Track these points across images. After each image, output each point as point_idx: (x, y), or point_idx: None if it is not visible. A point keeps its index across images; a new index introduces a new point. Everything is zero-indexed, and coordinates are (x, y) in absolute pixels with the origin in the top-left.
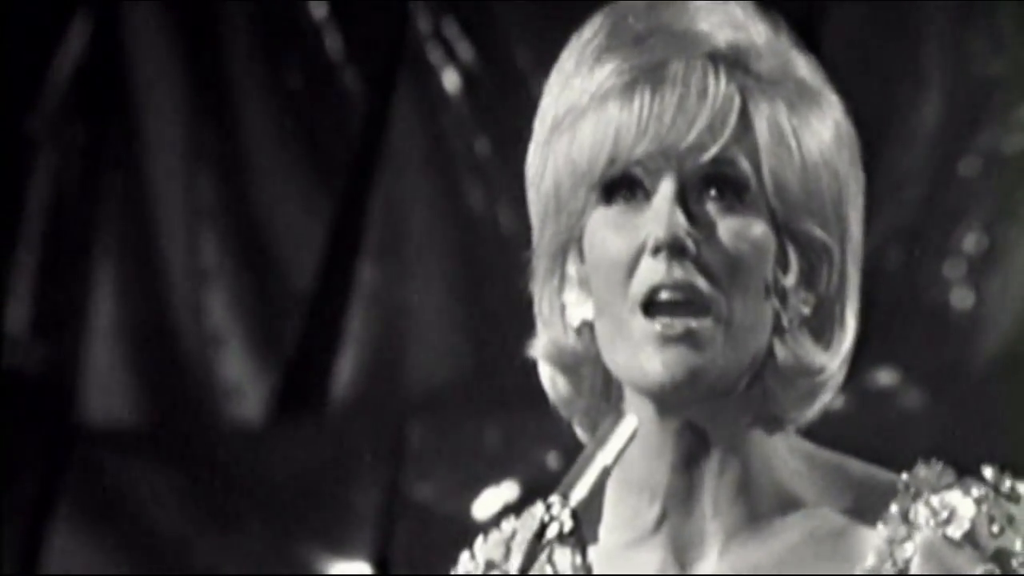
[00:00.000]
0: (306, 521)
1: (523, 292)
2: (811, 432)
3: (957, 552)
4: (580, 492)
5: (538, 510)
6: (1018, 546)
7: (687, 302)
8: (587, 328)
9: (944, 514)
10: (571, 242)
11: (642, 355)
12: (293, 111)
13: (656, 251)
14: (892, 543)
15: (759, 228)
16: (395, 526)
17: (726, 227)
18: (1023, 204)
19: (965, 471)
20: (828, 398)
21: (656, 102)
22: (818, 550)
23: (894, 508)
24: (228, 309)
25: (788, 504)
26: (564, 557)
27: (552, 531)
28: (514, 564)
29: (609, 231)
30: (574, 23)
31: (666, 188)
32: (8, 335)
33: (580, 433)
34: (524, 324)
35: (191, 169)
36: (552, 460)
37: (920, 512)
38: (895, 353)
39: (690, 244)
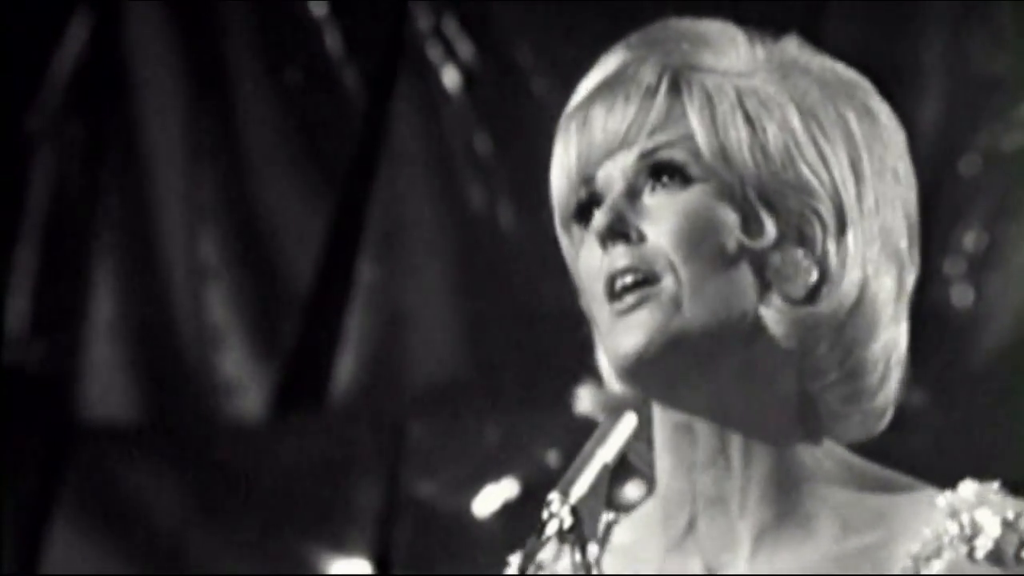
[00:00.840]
0: (306, 519)
1: (522, 291)
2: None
3: (982, 571)
4: (580, 489)
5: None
6: None
7: (641, 281)
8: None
9: (970, 532)
10: None
11: (613, 339)
12: (293, 109)
13: (603, 243)
14: (919, 560)
15: (705, 201)
16: (395, 523)
17: (672, 208)
18: (1023, 202)
19: (1006, 485)
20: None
21: (591, 119)
22: (845, 562)
23: (927, 526)
24: (228, 307)
25: (819, 509)
26: (564, 554)
27: (552, 528)
28: (561, 565)
29: (584, 248)
30: (573, 21)
31: (615, 188)
32: (8, 333)
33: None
34: (524, 322)
35: (191, 167)
36: (552, 458)
37: (950, 530)
38: None
39: (629, 227)
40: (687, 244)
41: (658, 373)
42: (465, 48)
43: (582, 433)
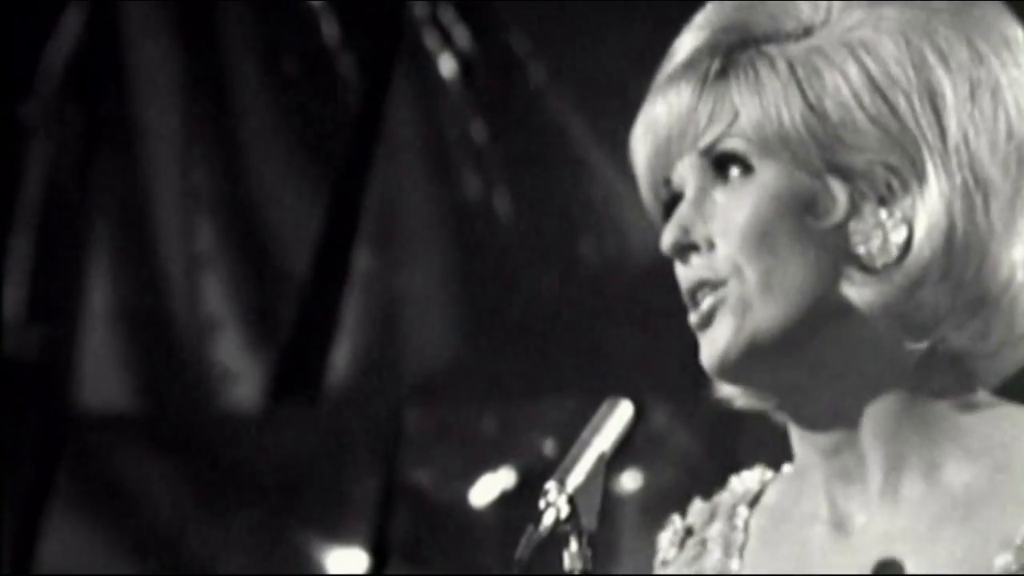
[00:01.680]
0: (302, 507)
1: (519, 279)
2: None
3: None
4: (577, 478)
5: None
6: None
7: (711, 290)
8: None
9: None
10: None
11: (701, 350)
12: (289, 97)
13: (674, 258)
14: None
15: (766, 191)
16: (392, 513)
17: (735, 204)
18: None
19: None
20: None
21: (655, 120)
22: (962, 527)
23: None
24: (224, 295)
25: (950, 452)
26: (717, 519)
27: (549, 518)
28: (713, 529)
29: None
30: (571, 9)
31: (687, 192)
32: (3, 321)
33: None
34: (520, 311)
35: (187, 155)
36: (549, 447)
37: None
38: None
39: (696, 239)
40: (749, 243)
41: (748, 374)
42: (462, 36)
43: (579, 422)
